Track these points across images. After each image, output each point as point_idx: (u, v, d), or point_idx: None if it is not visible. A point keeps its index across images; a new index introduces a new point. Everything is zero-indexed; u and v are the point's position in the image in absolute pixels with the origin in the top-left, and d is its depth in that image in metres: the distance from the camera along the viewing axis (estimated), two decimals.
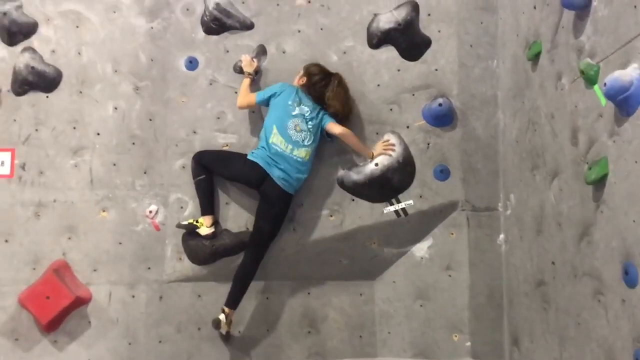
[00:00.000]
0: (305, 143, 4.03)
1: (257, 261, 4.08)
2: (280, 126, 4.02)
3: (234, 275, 4.07)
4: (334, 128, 4.10)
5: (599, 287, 2.82)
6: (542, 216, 3.52)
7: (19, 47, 4.35)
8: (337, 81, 4.13)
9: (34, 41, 4.36)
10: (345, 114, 4.17)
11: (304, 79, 4.15)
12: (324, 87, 4.10)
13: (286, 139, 4.00)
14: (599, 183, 2.79)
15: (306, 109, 4.06)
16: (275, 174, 3.98)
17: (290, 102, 4.05)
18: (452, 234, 4.28)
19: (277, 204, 4.04)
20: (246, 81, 4.23)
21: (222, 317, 3.98)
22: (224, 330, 4.03)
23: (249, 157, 4.06)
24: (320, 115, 4.11)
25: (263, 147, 4.05)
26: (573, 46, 3.10)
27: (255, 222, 4.08)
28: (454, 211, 4.28)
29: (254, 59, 4.30)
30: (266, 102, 4.13)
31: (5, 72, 4.32)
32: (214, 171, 4.15)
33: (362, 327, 4.27)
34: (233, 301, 4.04)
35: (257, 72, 4.32)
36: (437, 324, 4.23)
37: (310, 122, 4.05)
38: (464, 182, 4.28)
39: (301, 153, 4.02)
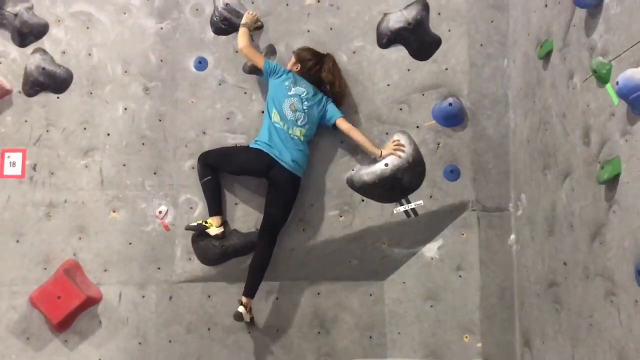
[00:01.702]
0: (299, 123, 4.05)
1: (270, 248, 4.08)
2: (278, 106, 4.05)
3: (249, 264, 4.07)
4: (342, 124, 4.13)
5: (611, 288, 2.79)
6: (553, 216, 3.49)
7: (30, 49, 4.37)
8: (332, 62, 4.19)
9: (45, 42, 4.39)
10: (344, 92, 4.23)
11: (298, 66, 4.18)
12: (318, 71, 4.15)
13: (283, 118, 4.03)
14: (611, 183, 2.76)
15: (302, 89, 4.09)
16: (283, 157, 3.99)
17: (287, 84, 4.08)
18: (463, 234, 4.26)
19: (286, 189, 4.05)
20: (245, 30, 4.23)
21: (241, 309, 3.98)
22: (247, 319, 4.03)
23: (252, 145, 4.08)
24: (323, 103, 4.14)
25: (264, 134, 4.06)
26: (585, 45, 3.07)
27: (266, 209, 4.08)
28: (464, 211, 4.26)
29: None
30: (267, 73, 4.14)
31: (17, 73, 4.35)
32: (221, 168, 4.16)
33: (372, 328, 4.26)
34: (250, 290, 4.05)
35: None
36: (447, 324, 4.21)
37: (306, 102, 4.07)
38: (475, 182, 4.26)
39: (296, 132, 4.04)
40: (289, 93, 4.06)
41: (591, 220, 2.99)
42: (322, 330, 4.25)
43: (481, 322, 4.18)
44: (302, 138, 4.06)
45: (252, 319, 4.10)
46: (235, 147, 4.25)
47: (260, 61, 4.17)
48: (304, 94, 4.08)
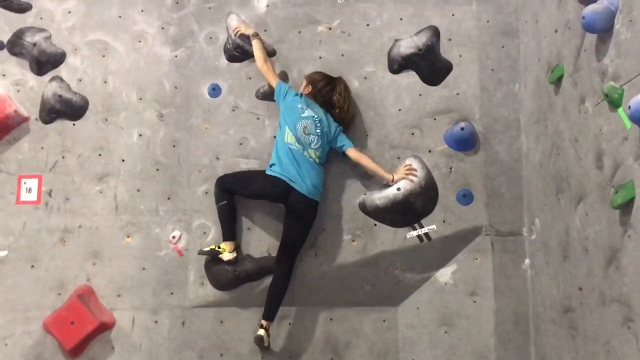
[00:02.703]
0: (313, 146, 4.06)
1: (289, 271, 4.09)
2: (291, 127, 4.07)
3: (269, 288, 4.08)
4: (352, 153, 4.15)
5: (628, 314, 2.75)
6: (567, 241, 3.46)
7: (48, 77, 4.46)
8: (343, 85, 4.23)
9: (62, 70, 4.47)
10: (353, 116, 4.27)
11: (309, 87, 4.21)
12: (330, 92, 4.18)
13: (297, 140, 4.05)
14: (626, 207, 2.75)
15: (313, 113, 4.11)
16: (299, 182, 4.00)
17: (299, 106, 4.11)
18: (477, 259, 4.23)
19: (305, 214, 4.07)
20: (258, 43, 4.31)
21: (262, 332, 3.98)
22: (267, 343, 4.01)
23: (267, 172, 4.08)
24: (334, 131, 4.15)
25: (279, 158, 4.07)
26: (596, 69, 3.08)
27: (284, 234, 4.09)
28: (477, 236, 4.24)
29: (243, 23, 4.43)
30: (278, 95, 4.19)
31: (34, 100, 4.43)
32: (237, 192, 4.17)
33: (385, 354, 4.21)
34: (269, 314, 4.04)
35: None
36: (462, 351, 4.16)
37: (318, 128, 4.07)
38: (488, 207, 4.24)
39: (311, 154, 4.05)
40: (302, 115, 4.08)
41: (606, 245, 2.96)
42: (335, 357, 4.22)
43: (496, 349, 4.13)
44: (317, 160, 4.08)
45: (269, 344, 4.08)
46: (252, 171, 4.27)
47: (273, 81, 4.23)
48: (316, 117, 4.10)
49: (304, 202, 4.02)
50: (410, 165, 4.24)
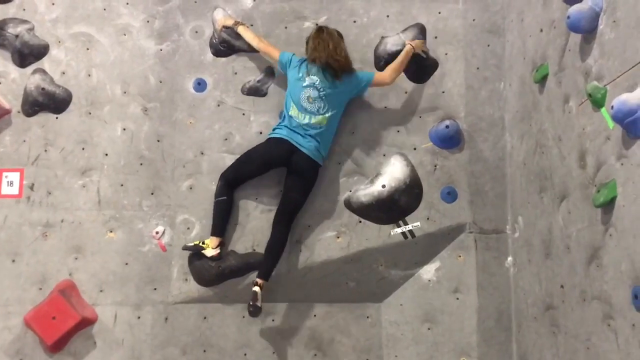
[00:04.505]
0: (321, 112, 4.05)
1: (287, 232, 4.12)
2: (295, 99, 4.07)
3: (265, 248, 4.09)
4: (379, 78, 4.15)
5: (608, 312, 2.78)
6: (550, 239, 3.49)
7: (30, 69, 4.39)
8: (315, 33, 4.13)
9: (45, 63, 4.41)
10: (337, 62, 4.03)
11: (306, 52, 4.18)
12: (318, 46, 4.08)
13: (301, 111, 4.05)
14: (608, 206, 2.78)
15: (315, 78, 4.07)
16: (303, 144, 4.02)
17: (300, 75, 4.10)
18: (460, 256, 4.25)
19: (307, 174, 4.08)
20: (244, 28, 4.31)
21: (256, 288, 3.96)
22: (259, 303, 3.98)
23: (270, 135, 4.12)
24: (346, 87, 4.10)
25: (283, 124, 4.10)
26: (580, 69, 3.11)
27: (285, 194, 4.12)
28: (461, 233, 4.26)
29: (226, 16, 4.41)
30: (282, 65, 4.18)
31: (16, 93, 4.37)
32: (242, 175, 4.16)
33: (369, 351, 4.23)
34: (265, 273, 4.04)
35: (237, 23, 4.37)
36: (445, 347, 4.18)
37: (322, 91, 4.05)
38: (472, 204, 4.27)
39: (318, 120, 4.05)
40: (304, 84, 4.07)
41: (588, 244, 2.99)
42: (319, 353, 4.22)
43: (478, 345, 4.16)
44: (323, 123, 4.06)
45: (261, 304, 4.02)
46: (249, 150, 4.22)
47: (275, 54, 4.22)
48: (318, 82, 4.06)
49: (307, 162, 4.04)
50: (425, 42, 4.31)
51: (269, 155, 4.11)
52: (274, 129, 4.16)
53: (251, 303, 3.93)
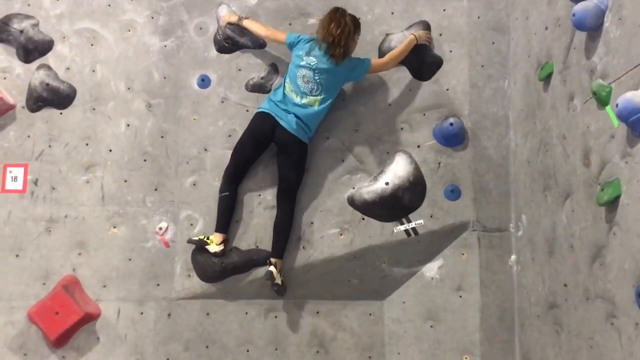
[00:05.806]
0: (314, 93, 4.06)
1: (291, 208, 4.17)
2: (291, 77, 4.09)
3: (273, 227, 4.14)
4: (376, 64, 4.15)
5: (612, 310, 2.78)
6: (554, 237, 3.48)
7: (35, 64, 4.40)
8: (329, 12, 4.04)
9: (50, 58, 4.42)
10: (338, 45, 3.94)
11: (318, 34, 4.10)
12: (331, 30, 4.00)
13: (296, 90, 4.07)
14: (612, 204, 2.77)
15: (313, 59, 4.04)
16: (282, 117, 4.04)
17: (300, 53, 4.09)
18: (463, 254, 4.25)
19: (291, 151, 4.09)
20: (249, 21, 4.32)
21: (272, 268, 4.01)
22: (278, 280, 4.02)
23: (257, 110, 4.17)
24: (343, 72, 4.08)
25: (270, 97, 4.14)
26: (585, 67, 3.10)
27: (279, 174, 4.16)
28: (464, 231, 4.26)
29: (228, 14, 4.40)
30: (291, 47, 4.17)
31: (21, 88, 4.38)
32: (239, 164, 4.17)
33: (371, 348, 4.23)
34: (277, 251, 4.10)
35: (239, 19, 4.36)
36: (447, 345, 4.18)
37: (317, 73, 4.03)
38: (475, 202, 4.26)
39: (310, 101, 4.06)
40: (300, 63, 4.07)
41: (591, 242, 2.99)
42: (321, 350, 4.22)
43: (481, 344, 4.16)
44: (315, 106, 4.07)
45: (283, 282, 4.09)
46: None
47: (282, 38, 4.22)
48: (314, 63, 4.04)
49: (289, 138, 4.05)
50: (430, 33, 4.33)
51: (256, 130, 4.13)
52: (262, 105, 4.20)
53: (272, 282, 3.99)
